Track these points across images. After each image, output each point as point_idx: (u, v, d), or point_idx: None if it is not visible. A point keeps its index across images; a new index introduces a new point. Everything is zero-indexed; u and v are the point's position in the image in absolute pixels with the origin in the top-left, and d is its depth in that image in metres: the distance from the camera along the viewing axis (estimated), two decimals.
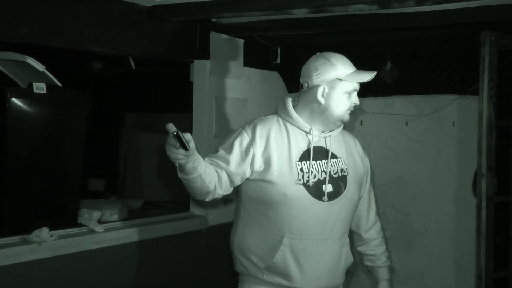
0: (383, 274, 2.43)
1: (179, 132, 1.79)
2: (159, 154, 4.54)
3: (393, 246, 3.60)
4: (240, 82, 3.44)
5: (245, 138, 2.16)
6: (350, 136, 2.40)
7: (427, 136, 3.51)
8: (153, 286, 2.90)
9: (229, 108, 3.35)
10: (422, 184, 3.52)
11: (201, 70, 3.24)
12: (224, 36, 3.32)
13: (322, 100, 2.15)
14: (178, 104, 3.77)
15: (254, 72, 3.56)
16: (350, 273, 2.40)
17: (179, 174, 1.99)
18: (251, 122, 2.24)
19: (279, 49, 3.85)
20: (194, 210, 3.24)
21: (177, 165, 1.93)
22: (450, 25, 3.09)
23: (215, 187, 2.08)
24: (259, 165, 2.14)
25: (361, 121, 3.70)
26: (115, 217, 2.89)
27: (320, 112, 2.17)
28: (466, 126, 3.37)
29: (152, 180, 4.44)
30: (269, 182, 2.13)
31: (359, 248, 2.45)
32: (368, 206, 2.41)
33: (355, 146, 2.38)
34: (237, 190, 2.25)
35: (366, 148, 3.66)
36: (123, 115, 4.53)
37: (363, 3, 2.48)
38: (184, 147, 1.81)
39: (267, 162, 2.13)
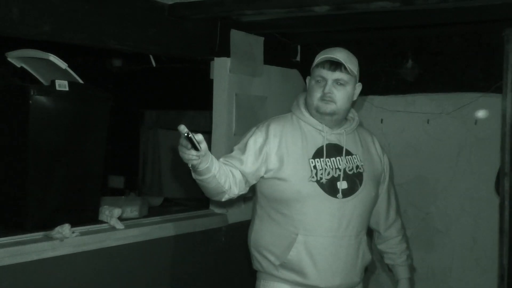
0: (403, 272, 2.41)
1: (190, 133, 1.80)
2: (178, 151, 4.56)
3: (414, 245, 3.57)
4: (260, 79, 3.44)
5: (259, 137, 2.19)
6: (368, 133, 2.40)
7: (449, 135, 3.48)
8: (173, 283, 2.91)
9: (249, 105, 3.34)
10: (444, 182, 3.49)
11: (221, 67, 3.24)
12: (244, 33, 3.32)
13: (307, 89, 2.22)
14: (198, 101, 3.77)
15: (274, 69, 3.55)
16: (368, 271, 2.38)
17: (193, 175, 2.01)
18: (265, 121, 2.26)
19: (299, 47, 3.83)
20: (214, 207, 3.24)
21: (190, 166, 1.94)
22: (473, 22, 3.05)
23: (230, 187, 2.10)
24: (273, 163, 2.16)
25: (382, 119, 3.68)
26: (136, 214, 2.90)
27: (307, 104, 2.22)
28: (489, 124, 3.33)
29: (171, 178, 4.47)
30: (283, 180, 2.14)
31: (379, 246, 2.44)
32: (387, 203, 2.40)
33: (373, 143, 2.37)
34: (253, 188, 2.26)
35: (386, 146, 3.64)
36: (142, 113, 4.55)
37: (385, 0, 2.45)
38: (196, 148, 1.82)
39: (281, 160, 2.15)
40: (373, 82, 3.66)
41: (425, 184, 3.54)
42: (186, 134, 1.79)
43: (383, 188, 2.38)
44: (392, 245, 2.41)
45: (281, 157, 2.15)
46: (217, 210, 3.23)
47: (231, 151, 2.21)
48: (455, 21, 2.94)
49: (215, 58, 3.26)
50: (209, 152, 1.94)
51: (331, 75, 2.15)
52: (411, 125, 3.58)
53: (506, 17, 2.81)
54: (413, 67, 3.57)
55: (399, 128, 3.62)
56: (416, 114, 3.56)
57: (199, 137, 1.83)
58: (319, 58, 2.18)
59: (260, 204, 2.26)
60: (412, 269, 2.47)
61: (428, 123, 3.53)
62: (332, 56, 2.14)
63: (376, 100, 3.69)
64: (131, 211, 2.88)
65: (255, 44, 3.41)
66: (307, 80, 2.25)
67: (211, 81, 3.29)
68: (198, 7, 2.85)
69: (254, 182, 2.20)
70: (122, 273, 2.67)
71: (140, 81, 4.41)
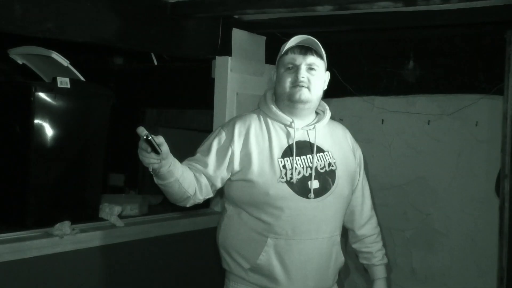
0: (379, 272, 2.29)
1: (150, 135, 1.72)
2: (179, 150, 4.56)
3: (413, 246, 3.58)
4: (261, 79, 3.44)
5: (223, 137, 2.07)
6: (340, 127, 2.27)
7: (450, 136, 3.48)
8: (172, 281, 2.91)
9: (250, 105, 3.33)
10: (444, 184, 3.49)
11: (222, 66, 3.24)
12: (246, 33, 3.32)
13: (273, 82, 2.13)
14: (199, 100, 3.77)
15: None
16: (341, 275, 2.29)
17: (155, 180, 1.90)
18: (230, 120, 2.16)
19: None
20: (214, 206, 3.24)
21: (150, 170, 1.85)
22: (475, 23, 3.05)
23: (195, 192, 1.98)
24: (238, 164, 2.04)
25: (382, 120, 3.68)
26: (136, 212, 2.90)
27: (277, 97, 2.11)
28: (489, 126, 3.33)
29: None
30: (250, 181, 2.02)
31: (354, 245, 2.32)
32: (361, 200, 2.27)
33: (345, 138, 2.24)
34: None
35: (387, 146, 3.65)
36: (143, 111, 4.55)
37: (388, 1, 2.45)
38: (156, 151, 1.74)
39: (247, 161, 2.03)
40: (374, 82, 3.66)
41: (425, 185, 3.54)
42: (145, 137, 1.71)
43: (358, 184, 2.25)
44: (367, 244, 2.28)
45: (247, 158, 2.03)
46: (217, 209, 3.24)
47: (195, 153, 2.09)
48: (456, 22, 2.94)
49: (217, 57, 3.26)
50: (171, 155, 1.84)
51: (303, 60, 2.05)
52: (411, 126, 3.58)
53: (508, 19, 2.82)
54: (414, 68, 3.57)
55: (399, 129, 3.62)
56: (417, 115, 3.56)
57: (159, 139, 1.75)
58: (286, 46, 2.08)
59: (229, 203, 2.14)
60: (388, 268, 2.36)
61: (428, 124, 3.53)
62: (301, 41, 2.07)
63: (377, 100, 3.69)
64: (131, 209, 2.89)
65: (257, 43, 3.42)
66: (271, 74, 2.15)
67: (213, 80, 3.30)
68: (200, 5, 2.86)
69: (220, 185, 2.08)
70: (121, 271, 2.67)
71: (142, 79, 4.41)
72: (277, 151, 2.05)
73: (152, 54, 3.88)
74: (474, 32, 3.35)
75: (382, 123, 3.67)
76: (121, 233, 2.67)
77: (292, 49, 2.07)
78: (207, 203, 3.26)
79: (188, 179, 1.95)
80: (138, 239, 2.74)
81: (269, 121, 2.11)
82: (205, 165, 2.03)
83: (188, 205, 2.04)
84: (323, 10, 2.61)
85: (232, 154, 2.04)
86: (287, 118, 2.09)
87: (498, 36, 3.10)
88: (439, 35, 3.47)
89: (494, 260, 3.09)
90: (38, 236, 2.39)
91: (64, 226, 2.42)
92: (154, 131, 4.51)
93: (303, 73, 2.04)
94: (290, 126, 2.09)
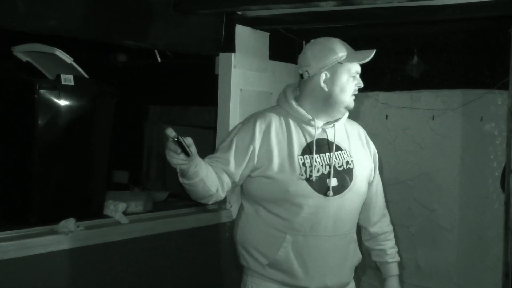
0: (391, 270, 2.31)
1: (180, 137, 1.72)
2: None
3: (418, 242, 3.57)
4: (265, 75, 3.43)
5: (244, 134, 2.08)
6: (355, 125, 2.29)
7: (454, 131, 3.46)
8: (177, 278, 2.91)
9: (254, 101, 3.34)
10: (449, 179, 3.48)
11: (226, 63, 3.24)
12: (250, 29, 3.31)
13: (325, 87, 2.07)
14: (202, 97, 3.78)
15: (279, 65, 3.55)
16: (357, 274, 2.31)
17: (181, 180, 1.91)
18: (250, 117, 2.16)
19: (304, 42, 3.82)
20: (219, 203, 3.24)
21: (178, 170, 1.86)
22: (479, 18, 3.04)
23: (217, 190, 2.00)
24: (259, 161, 2.05)
25: (387, 116, 3.67)
26: (140, 209, 2.91)
27: (323, 100, 2.09)
28: (494, 121, 3.31)
29: (176, 173, 4.47)
30: (270, 178, 2.04)
31: (366, 243, 2.34)
32: (375, 198, 2.30)
33: (361, 136, 2.27)
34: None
35: (391, 142, 3.64)
36: (147, 108, 4.56)
37: None
38: (186, 152, 1.74)
39: (268, 158, 2.04)
40: (379, 78, 3.65)
41: (430, 181, 3.53)
42: (175, 138, 1.71)
43: (372, 182, 2.28)
44: (379, 242, 2.31)
45: (267, 155, 2.04)
46: (222, 206, 3.24)
47: (216, 150, 2.11)
48: (461, 17, 2.93)
49: (220, 54, 3.26)
50: (197, 155, 1.84)
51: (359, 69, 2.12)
52: (416, 122, 3.57)
53: None
54: (418, 63, 3.56)
55: (404, 124, 3.61)
56: (421, 110, 3.54)
57: (188, 140, 1.75)
58: (345, 54, 2.08)
59: (247, 200, 2.16)
60: (401, 266, 2.37)
61: (433, 119, 3.51)
62: (365, 55, 2.10)
63: (381, 96, 3.68)
64: (136, 206, 2.89)
65: (260, 39, 3.41)
66: (323, 75, 2.07)
67: (216, 77, 3.29)
68: (203, 2, 2.85)
69: (241, 182, 2.10)
70: (126, 268, 2.68)
71: (145, 76, 4.42)
72: (297, 149, 2.07)
73: (156, 51, 3.88)
74: (479, 27, 3.33)
75: (387, 118, 3.66)
76: (126, 230, 2.68)
77: (357, 57, 2.10)
78: None
79: (211, 178, 1.96)
80: (143, 236, 2.74)
81: (290, 118, 2.12)
82: (227, 162, 2.04)
83: (210, 203, 2.06)
84: (327, 5, 2.61)
85: (253, 151, 2.05)
86: (308, 116, 2.10)
87: (502, 31, 3.09)
88: (443, 30, 3.46)
89: (499, 256, 3.08)
90: (43, 233, 2.40)
91: (69, 223, 2.43)
92: (158, 127, 4.54)
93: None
94: (310, 124, 2.11)
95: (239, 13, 3.20)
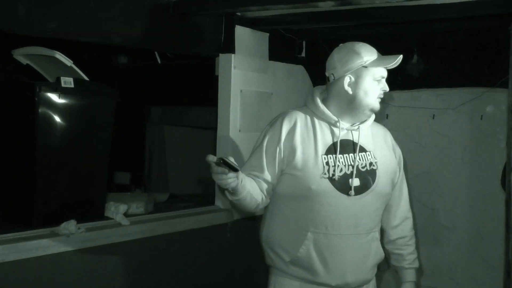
0: (408, 276, 2.34)
1: (225, 158, 1.83)
2: (184, 147, 4.57)
3: (419, 241, 3.54)
4: (265, 76, 3.43)
5: (271, 138, 2.17)
6: (381, 128, 2.34)
7: (455, 130, 3.47)
8: (178, 279, 2.92)
9: (254, 102, 3.34)
10: (449, 178, 3.48)
11: (226, 64, 3.24)
12: (249, 30, 3.31)
13: (349, 90, 2.13)
14: (203, 98, 3.78)
15: (279, 65, 3.55)
16: (380, 270, 2.32)
17: (230, 198, 2.05)
18: (278, 117, 2.23)
19: (304, 43, 3.83)
20: (220, 203, 3.25)
21: (229, 189, 1.97)
22: (479, 16, 3.04)
23: (262, 198, 2.13)
24: (285, 159, 2.13)
25: (387, 115, 3.67)
26: (141, 210, 2.91)
27: (348, 103, 2.14)
28: (495, 119, 3.31)
29: (177, 174, 4.47)
30: (294, 175, 2.11)
31: (386, 246, 2.36)
32: (398, 200, 2.33)
33: (387, 139, 2.32)
34: None
35: None
36: (148, 109, 4.56)
37: None
38: (234, 169, 1.85)
39: (292, 155, 2.12)
40: None
41: (430, 180, 3.53)
42: (221, 161, 1.82)
43: (396, 184, 2.31)
44: (398, 246, 2.34)
45: (292, 152, 2.12)
46: (223, 206, 3.24)
47: (250, 158, 2.22)
48: (460, 15, 2.93)
49: (220, 54, 3.26)
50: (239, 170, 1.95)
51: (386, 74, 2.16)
52: (416, 121, 3.57)
53: None
54: (418, 62, 3.56)
55: (404, 123, 3.61)
56: (422, 109, 3.54)
57: (230, 159, 1.86)
58: (371, 59, 2.11)
59: (271, 199, 2.22)
60: (419, 272, 2.37)
61: (433, 118, 3.52)
62: (391, 60, 2.11)
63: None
64: (137, 207, 2.89)
65: (260, 40, 3.41)
66: (347, 78, 2.12)
67: (216, 78, 3.29)
68: (203, 3, 2.86)
69: (276, 182, 2.19)
70: (128, 269, 2.68)
71: (146, 78, 4.42)
72: (321, 148, 2.13)
73: (156, 53, 3.88)
74: (478, 26, 3.33)
75: (387, 117, 3.66)
76: (127, 232, 2.68)
77: (383, 62, 2.13)
78: (212, 200, 3.27)
79: (254, 188, 2.09)
80: (144, 237, 2.74)
81: (315, 118, 2.18)
82: (261, 169, 2.15)
83: (257, 213, 2.19)
84: (326, 6, 2.61)
85: (280, 151, 2.14)
86: (333, 117, 2.16)
87: (502, 29, 3.09)
88: (442, 29, 3.46)
89: (500, 254, 3.08)
90: (44, 235, 2.40)
91: (70, 225, 2.43)
92: (159, 129, 4.54)
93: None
94: (335, 125, 2.16)
95: (239, 14, 3.20)
